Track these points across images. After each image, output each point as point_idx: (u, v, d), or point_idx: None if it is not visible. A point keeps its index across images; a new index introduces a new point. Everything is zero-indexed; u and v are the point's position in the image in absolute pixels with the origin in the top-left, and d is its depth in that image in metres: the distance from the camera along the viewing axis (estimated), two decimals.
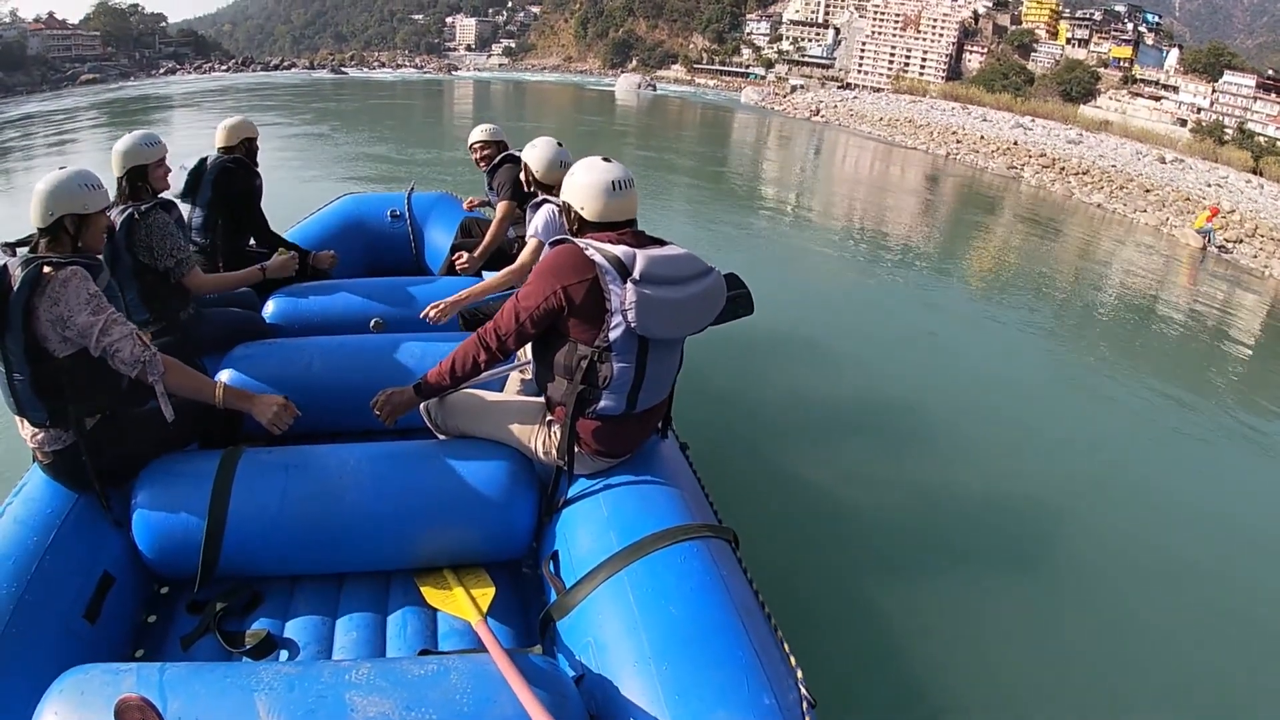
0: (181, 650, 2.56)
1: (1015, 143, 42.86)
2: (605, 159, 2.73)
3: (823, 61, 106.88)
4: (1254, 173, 51.35)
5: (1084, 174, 34.22)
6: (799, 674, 2.14)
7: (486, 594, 2.68)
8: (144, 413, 2.74)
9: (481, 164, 5.26)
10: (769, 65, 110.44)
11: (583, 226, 2.72)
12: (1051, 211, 23.98)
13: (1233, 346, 11.57)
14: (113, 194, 3.52)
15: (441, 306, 3.81)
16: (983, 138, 44.58)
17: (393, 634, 2.66)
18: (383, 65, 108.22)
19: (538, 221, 3.95)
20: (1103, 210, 26.35)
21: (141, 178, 3.69)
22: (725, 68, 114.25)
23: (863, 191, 24.57)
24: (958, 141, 42.51)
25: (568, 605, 2.45)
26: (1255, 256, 20.74)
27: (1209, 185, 36.78)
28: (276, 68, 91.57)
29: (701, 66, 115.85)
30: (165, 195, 3.80)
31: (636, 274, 2.45)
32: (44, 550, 2.45)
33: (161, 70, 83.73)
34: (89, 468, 2.67)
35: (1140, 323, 11.93)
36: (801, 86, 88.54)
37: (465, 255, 4.77)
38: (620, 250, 2.49)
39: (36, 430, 2.65)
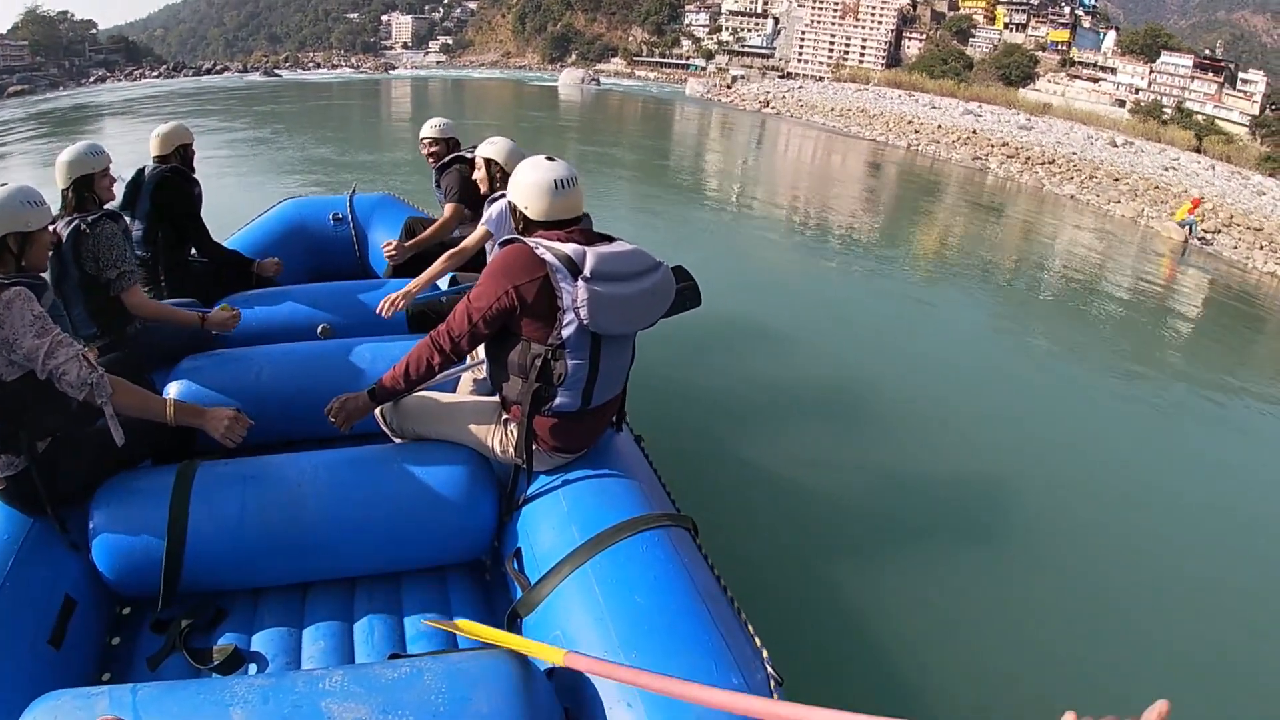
0: (149, 670, 2.54)
1: (974, 131, 42.02)
2: (549, 158, 2.75)
3: (763, 51, 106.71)
4: (1197, 151, 51.98)
5: (1051, 164, 33.63)
6: (765, 654, 2.20)
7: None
8: (95, 432, 2.69)
9: (431, 160, 5.19)
10: (709, 56, 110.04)
11: (529, 225, 2.74)
12: (1024, 204, 23.50)
13: (1214, 337, 11.69)
14: (56, 207, 3.49)
15: (392, 300, 3.81)
16: (940, 126, 43.67)
17: (360, 640, 2.67)
18: (318, 66, 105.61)
19: (492, 212, 3.95)
20: (1076, 202, 25.69)
21: (88, 188, 3.65)
22: (665, 60, 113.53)
23: (819, 185, 23.90)
24: (915, 132, 41.57)
25: (534, 601, 2.48)
26: (1235, 248, 20.64)
27: (1165, 169, 36.87)
28: (209, 72, 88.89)
29: (641, 59, 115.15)
30: (109, 206, 3.75)
31: (587, 271, 2.48)
32: (3, 577, 2.41)
33: (92, 78, 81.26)
34: (42, 492, 2.62)
35: (1121, 317, 11.85)
36: (743, 77, 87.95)
37: (394, 243, 4.74)
38: (570, 248, 2.52)
39: None
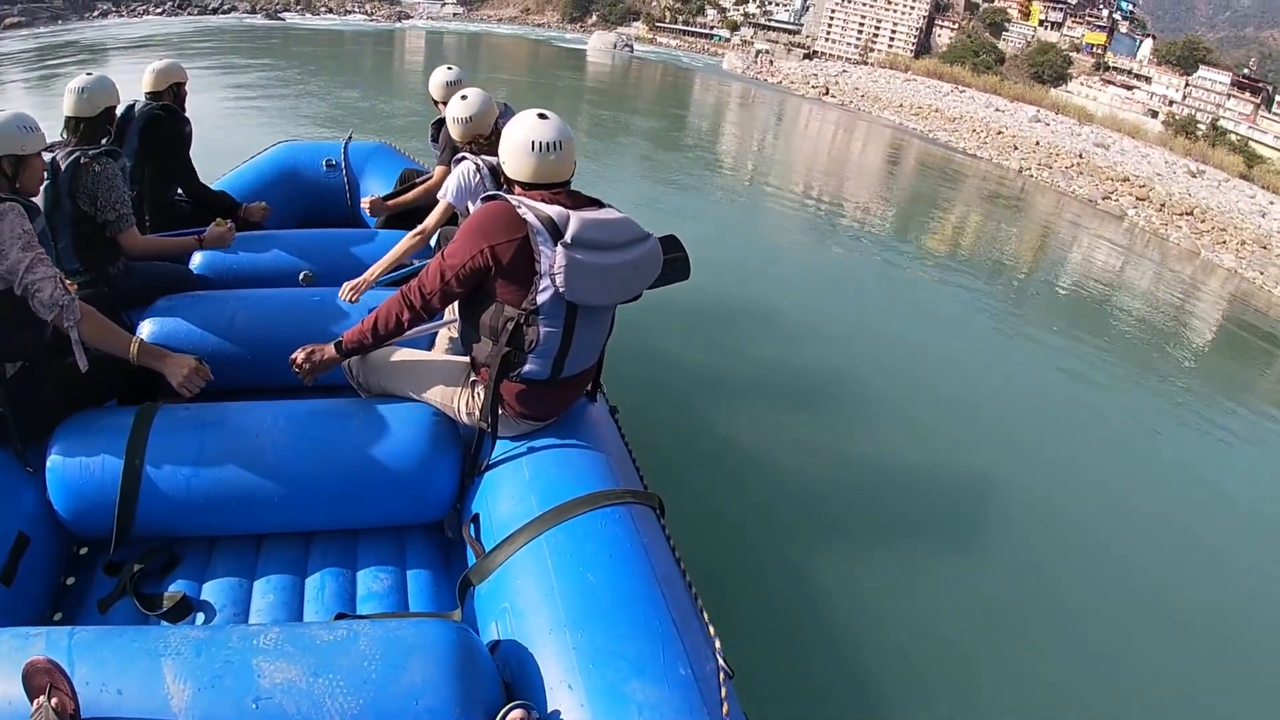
0: (99, 613, 2.52)
1: (1080, 155, 37.46)
2: (541, 115, 2.63)
3: (789, 27, 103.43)
4: (1244, 179, 49.70)
5: (1188, 214, 28.82)
6: (717, 644, 2.13)
7: None
8: (65, 365, 2.66)
9: (443, 108, 4.78)
10: (734, 28, 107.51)
11: (509, 184, 2.65)
12: (1188, 279, 19.24)
13: None
14: (55, 135, 3.51)
15: (354, 286, 3.67)
16: (1039, 144, 38.26)
17: (311, 596, 2.63)
18: (330, 11, 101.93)
19: (449, 183, 3.83)
20: (1237, 278, 20.60)
21: (109, 121, 3.67)
22: (689, 28, 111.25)
23: (924, 207, 19.13)
24: (1014, 148, 35.86)
25: (486, 569, 2.42)
26: None
27: (1262, 214, 33.28)
28: (215, 10, 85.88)
29: (664, 25, 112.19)
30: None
31: (568, 237, 2.38)
32: None
33: (96, 12, 78.78)
34: (9, 418, 2.58)
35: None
36: (767, 52, 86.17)
37: (375, 199, 4.64)
38: (554, 211, 2.43)
39: None
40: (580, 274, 2.41)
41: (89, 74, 3.63)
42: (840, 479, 5.30)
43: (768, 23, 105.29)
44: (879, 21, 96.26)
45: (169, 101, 4.50)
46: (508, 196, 2.52)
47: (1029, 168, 31.31)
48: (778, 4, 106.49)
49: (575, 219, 2.42)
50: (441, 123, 4.75)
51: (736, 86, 48.70)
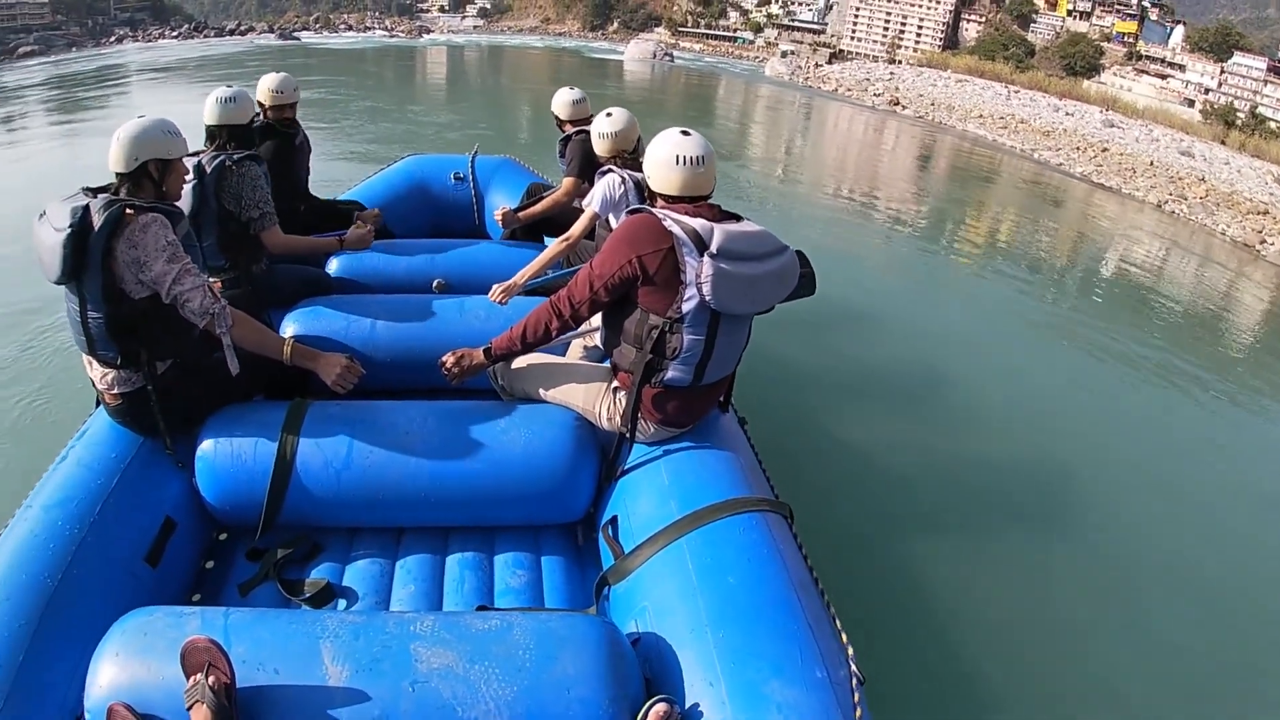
0: (240, 596, 2.62)
1: (1203, 179, 32.40)
2: (684, 132, 2.71)
3: (813, 27, 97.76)
4: None
5: None
6: (850, 650, 2.15)
7: None
8: (214, 362, 2.77)
9: (567, 127, 5.05)
10: (757, 30, 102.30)
11: (652, 198, 2.73)
12: None
13: None
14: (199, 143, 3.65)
15: (505, 288, 3.77)
16: (1153, 164, 33.17)
17: (450, 589, 2.70)
18: (349, 28, 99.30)
19: (595, 193, 3.92)
20: None
21: (250, 131, 3.86)
22: (711, 31, 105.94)
23: (1077, 256, 15.49)
24: (1132, 171, 30.97)
25: (625, 570, 2.48)
26: None
27: None
28: (232, 33, 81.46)
29: (686, 30, 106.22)
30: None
31: (714, 247, 2.45)
32: (107, 493, 2.51)
33: (112, 38, 75.11)
34: (158, 411, 2.71)
35: None
36: (794, 53, 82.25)
37: (506, 210, 4.74)
38: (698, 223, 2.49)
39: (106, 371, 2.69)
40: (726, 283, 2.47)
41: (230, 85, 3.82)
42: (965, 486, 5.24)
43: (791, 23, 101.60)
44: (904, 18, 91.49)
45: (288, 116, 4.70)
46: (653, 210, 2.60)
47: (1166, 200, 26.31)
48: (800, 3, 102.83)
49: (719, 231, 2.48)
50: (568, 139, 4.90)
51: (790, 95, 45.28)
